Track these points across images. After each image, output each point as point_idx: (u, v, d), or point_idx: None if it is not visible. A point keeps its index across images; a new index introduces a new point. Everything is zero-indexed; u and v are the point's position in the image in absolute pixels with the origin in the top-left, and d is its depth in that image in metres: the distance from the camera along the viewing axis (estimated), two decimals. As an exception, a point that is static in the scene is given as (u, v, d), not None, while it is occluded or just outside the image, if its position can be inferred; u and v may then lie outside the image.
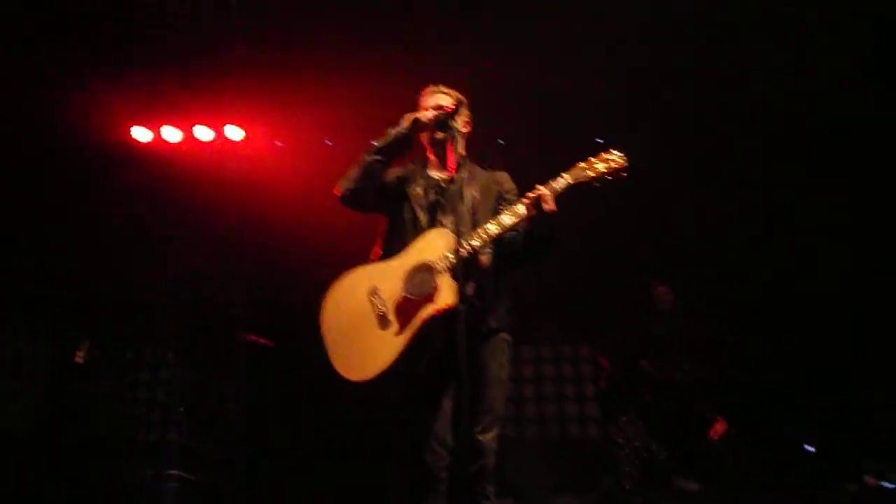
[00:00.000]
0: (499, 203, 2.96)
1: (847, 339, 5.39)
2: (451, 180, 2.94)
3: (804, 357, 5.51)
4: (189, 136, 5.84)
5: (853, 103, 5.19)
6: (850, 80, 5.06)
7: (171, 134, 5.83)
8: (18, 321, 5.25)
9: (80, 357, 4.78)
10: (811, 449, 5.28)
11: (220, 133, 5.85)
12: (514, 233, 2.84)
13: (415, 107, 3.13)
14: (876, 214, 5.43)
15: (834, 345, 5.44)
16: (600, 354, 5.56)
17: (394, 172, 3.06)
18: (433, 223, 2.92)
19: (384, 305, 2.81)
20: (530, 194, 2.74)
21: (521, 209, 2.76)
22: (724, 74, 5.18)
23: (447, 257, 2.76)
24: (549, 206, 2.69)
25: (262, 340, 5.04)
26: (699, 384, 5.24)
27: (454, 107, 2.88)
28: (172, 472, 4.36)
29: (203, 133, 5.84)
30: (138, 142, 5.84)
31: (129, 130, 5.79)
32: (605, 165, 2.78)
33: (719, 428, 5.10)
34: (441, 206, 2.93)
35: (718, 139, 5.55)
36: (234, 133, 5.85)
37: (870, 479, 4.40)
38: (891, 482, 4.43)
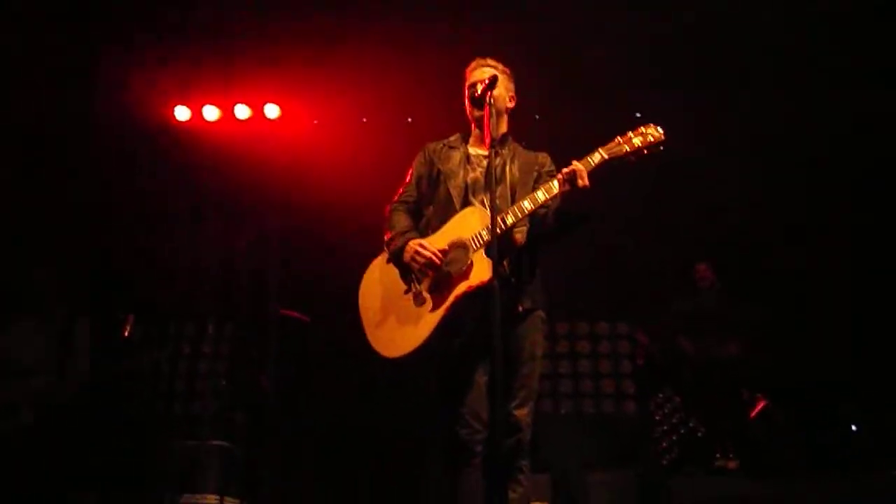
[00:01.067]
0: (537, 182, 2.94)
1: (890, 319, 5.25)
2: (496, 155, 2.92)
3: (849, 336, 5.39)
4: (228, 115, 5.92)
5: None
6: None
7: (211, 112, 5.91)
8: (66, 297, 5.41)
9: (126, 331, 4.91)
10: (856, 429, 5.19)
11: (258, 112, 5.91)
12: (546, 209, 2.83)
13: (462, 80, 3.09)
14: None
15: (881, 324, 5.31)
16: (638, 331, 5.52)
17: (431, 155, 3.06)
18: (468, 201, 2.91)
19: (419, 283, 2.83)
20: (565, 170, 2.71)
21: (555, 186, 2.74)
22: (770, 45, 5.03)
23: (481, 235, 2.76)
24: (584, 181, 2.66)
25: (298, 315, 5.11)
26: (739, 362, 5.17)
27: (488, 82, 2.83)
28: (214, 442, 4.47)
29: (242, 111, 5.90)
30: (178, 120, 5.93)
31: (173, 110, 5.89)
32: (642, 139, 2.74)
33: (759, 406, 5.04)
34: (479, 183, 2.92)
35: (766, 115, 5.41)
36: (271, 111, 5.90)
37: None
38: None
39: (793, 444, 4.95)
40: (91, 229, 5.69)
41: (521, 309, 2.88)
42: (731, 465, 4.81)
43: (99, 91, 5.64)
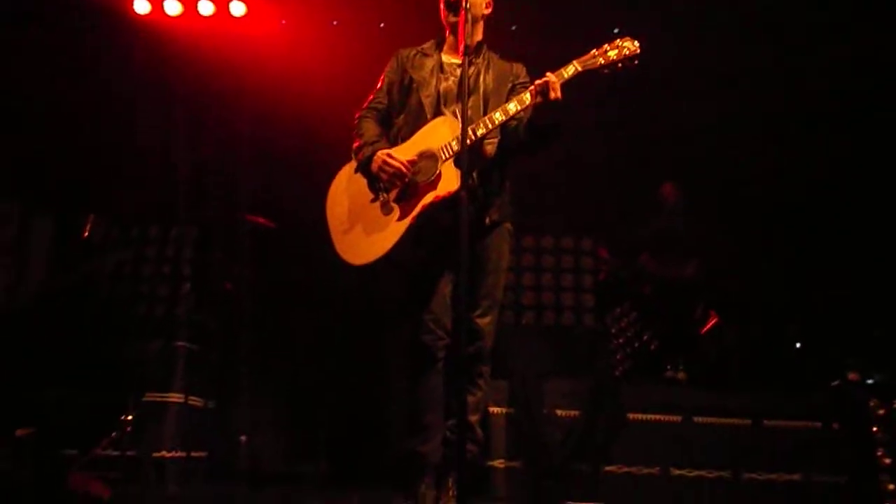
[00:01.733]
0: (511, 94, 2.91)
1: (843, 244, 5.44)
2: (470, 64, 2.87)
3: (797, 259, 5.59)
4: (191, 10, 5.66)
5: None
6: None
7: (172, 7, 5.65)
8: (22, 197, 5.28)
9: (86, 232, 4.84)
10: (798, 347, 5.46)
11: (222, 8, 5.66)
12: (518, 121, 2.81)
13: None
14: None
15: (830, 249, 5.50)
16: (601, 247, 5.63)
17: (403, 62, 3.00)
18: (440, 111, 2.88)
19: (386, 191, 2.83)
20: (538, 81, 2.69)
21: (527, 97, 2.73)
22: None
23: (451, 145, 2.75)
24: (556, 93, 2.65)
25: (263, 221, 5.08)
26: (696, 282, 5.34)
27: None
28: (180, 343, 4.51)
29: (205, 7, 5.65)
30: (137, 14, 5.66)
31: (132, 2, 5.61)
32: (617, 52, 2.74)
33: (711, 323, 5.25)
34: (451, 92, 2.88)
35: (738, 36, 5.36)
36: (237, 9, 5.66)
37: (853, 375, 4.57)
38: (873, 378, 4.60)
39: (740, 361, 5.18)
40: (47, 126, 5.49)
41: (487, 221, 2.91)
42: (681, 376, 5.04)
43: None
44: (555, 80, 2.66)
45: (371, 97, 3.07)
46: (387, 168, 2.79)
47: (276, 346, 5.21)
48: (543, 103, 2.67)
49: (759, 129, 5.64)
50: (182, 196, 5.72)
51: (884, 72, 5.20)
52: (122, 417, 4.09)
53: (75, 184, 5.46)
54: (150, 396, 4.27)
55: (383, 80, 3.07)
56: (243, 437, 4.62)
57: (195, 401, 4.43)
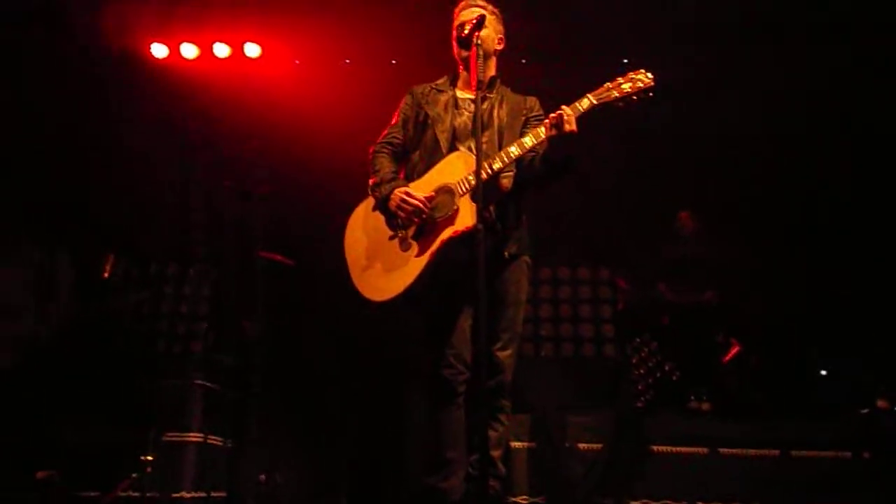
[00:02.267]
0: (525, 128, 2.93)
1: (865, 268, 5.37)
2: (484, 99, 2.90)
3: (821, 284, 5.51)
4: (206, 53, 5.78)
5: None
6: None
7: (189, 50, 5.76)
8: (44, 236, 5.34)
9: (107, 271, 4.89)
10: (824, 373, 5.36)
11: (237, 50, 5.77)
12: (533, 154, 2.82)
13: (450, 21, 3.04)
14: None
15: (851, 272, 5.43)
16: (619, 277, 5.60)
17: (418, 98, 3.03)
18: (455, 146, 2.89)
19: (405, 228, 2.84)
20: (552, 115, 2.70)
21: (542, 131, 2.74)
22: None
23: (468, 180, 2.76)
24: (571, 126, 2.66)
25: (280, 258, 5.10)
26: (715, 309, 5.28)
27: (475, 21, 2.77)
28: (198, 382, 4.51)
29: (221, 50, 5.76)
30: (156, 58, 5.78)
31: (150, 47, 5.74)
32: (631, 85, 2.74)
33: (733, 351, 5.18)
34: (466, 127, 2.90)
35: (753, 57, 5.38)
36: (252, 50, 5.77)
37: (882, 402, 4.48)
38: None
39: (764, 388, 5.09)
40: (69, 167, 5.58)
41: (506, 254, 2.90)
42: (705, 406, 4.96)
43: (71, 27, 5.45)
44: (570, 112, 2.67)
45: (386, 132, 3.10)
46: (405, 206, 2.80)
47: (294, 384, 5.20)
48: (558, 136, 2.67)
49: (776, 154, 5.61)
50: (199, 235, 5.77)
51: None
52: (143, 458, 4.07)
53: (96, 224, 5.53)
54: (170, 436, 4.26)
55: (398, 115, 3.09)
56: (262, 476, 4.58)
57: (214, 440, 4.41)
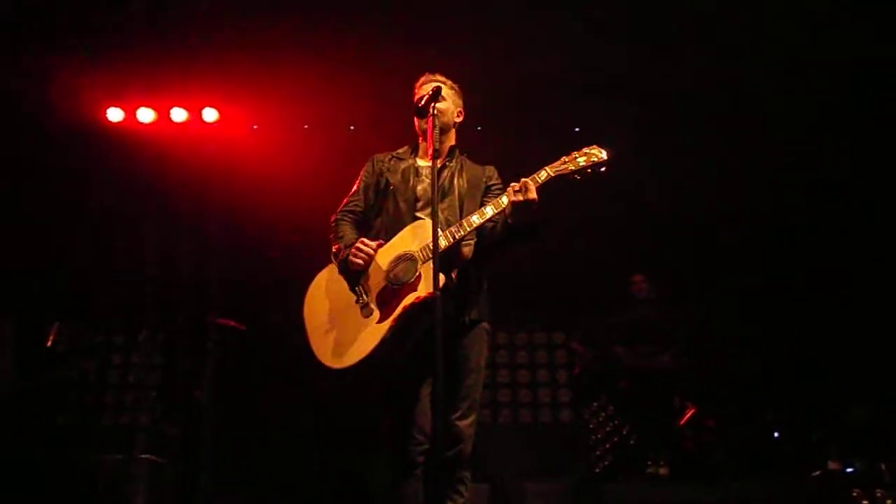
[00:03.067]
0: (485, 196, 2.98)
1: (817, 331, 5.53)
2: (444, 167, 2.96)
3: (774, 347, 5.65)
4: (163, 118, 5.77)
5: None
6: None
7: (145, 115, 5.75)
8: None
9: (51, 340, 4.71)
10: (777, 436, 5.43)
11: (195, 115, 5.78)
12: (493, 223, 2.87)
13: (411, 94, 3.11)
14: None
15: (803, 335, 5.59)
16: (575, 341, 5.63)
17: (379, 166, 3.07)
18: (415, 214, 2.93)
19: (366, 294, 2.83)
20: (514, 184, 2.77)
21: (503, 200, 2.80)
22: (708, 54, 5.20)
23: (429, 247, 2.78)
24: (532, 194, 2.73)
25: (234, 324, 5.00)
26: (671, 371, 5.34)
27: (431, 93, 2.85)
28: (143, 455, 4.33)
29: (178, 114, 5.76)
30: (111, 122, 5.74)
31: (105, 111, 5.70)
32: (586, 159, 2.83)
33: (688, 413, 5.22)
34: (427, 194, 2.93)
35: (697, 128, 5.61)
36: (209, 115, 5.79)
37: (833, 464, 4.55)
38: (853, 468, 4.58)
39: (720, 450, 5.13)
40: (16, 232, 5.43)
41: (466, 320, 2.90)
42: (662, 471, 4.95)
43: (25, 90, 5.39)
44: (530, 182, 2.74)
45: (346, 201, 3.11)
46: (360, 254, 2.81)
47: (246, 455, 5.03)
48: (520, 204, 2.74)
49: (731, 217, 5.79)
50: (151, 300, 5.63)
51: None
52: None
53: (41, 291, 5.36)
54: (112, 514, 4.05)
55: (359, 183, 3.12)
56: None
57: (159, 515, 4.21)
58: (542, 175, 2.80)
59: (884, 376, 5.16)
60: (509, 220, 2.81)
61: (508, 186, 2.80)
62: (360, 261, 2.83)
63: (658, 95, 5.46)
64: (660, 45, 5.09)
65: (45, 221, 5.62)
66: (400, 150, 3.14)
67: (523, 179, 2.76)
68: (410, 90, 3.13)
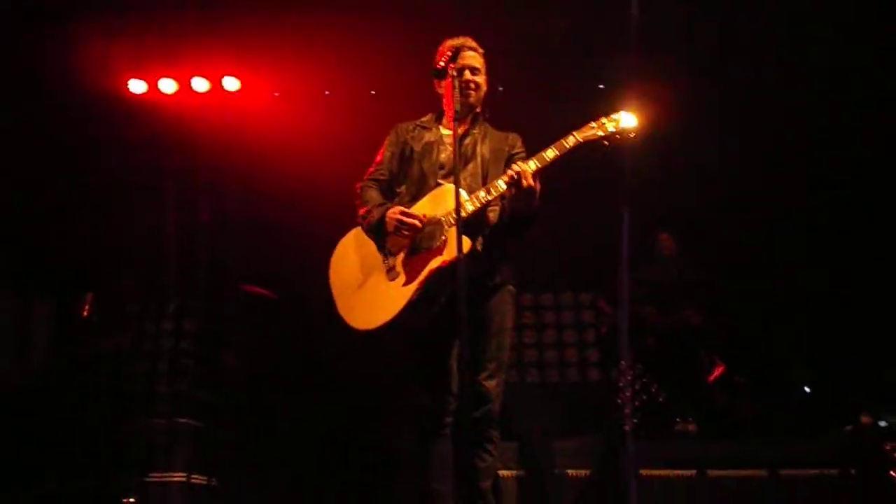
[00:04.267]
0: (509, 163, 2.97)
1: (847, 285, 5.44)
2: (466, 134, 2.95)
3: (802, 302, 5.58)
4: (185, 88, 5.78)
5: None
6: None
7: (168, 85, 5.77)
8: (20, 278, 5.27)
9: (86, 311, 4.83)
10: (808, 391, 5.40)
11: (216, 84, 5.78)
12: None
13: (435, 57, 3.07)
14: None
15: (830, 290, 5.50)
16: (601, 300, 5.62)
17: (403, 135, 3.06)
18: (438, 181, 2.93)
19: (392, 257, 2.85)
20: (509, 172, 2.75)
21: (532, 165, 2.78)
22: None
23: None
24: (528, 181, 2.71)
25: (263, 291, 5.07)
26: (698, 329, 5.32)
27: (449, 54, 2.81)
28: (181, 420, 4.44)
29: (200, 84, 5.77)
30: (133, 94, 5.77)
31: (126, 83, 5.72)
32: (615, 125, 2.80)
33: (717, 371, 5.21)
34: (450, 161, 2.92)
35: (726, 83, 5.48)
36: (231, 84, 5.78)
37: (865, 418, 4.52)
38: (886, 421, 4.55)
39: (749, 407, 5.12)
40: (43, 208, 5.52)
41: (491, 284, 2.91)
42: (691, 428, 4.97)
43: (47, 63, 5.43)
44: (525, 169, 2.72)
45: (371, 169, 3.12)
46: (406, 221, 2.80)
47: (280, 419, 5.13)
48: (518, 192, 2.73)
49: (749, 167, 5.69)
50: (179, 271, 5.72)
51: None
52: (124, 500, 3.99)
53: (74, 264, 5.46)
54: (153, 477, 4.18)
55: (383, 152, 3.12)
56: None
57: (198, 479, 4.33)
58: (571, 140, 2.78)
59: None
60: (511, 208, 2.81)
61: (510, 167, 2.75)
62: (403, 229, 2.82)
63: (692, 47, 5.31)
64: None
65: (73, 196, 5.70)
66: (424, 119, 3.13)
67: (518, 164, 2.74)
68: (433, 52, 3.09)
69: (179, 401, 4.79)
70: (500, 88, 5.46)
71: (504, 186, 2.77)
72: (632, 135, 2.81)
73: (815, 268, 5.60)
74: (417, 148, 3.00)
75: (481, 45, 3.09)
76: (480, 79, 2.99)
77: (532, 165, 2.76)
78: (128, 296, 5.73)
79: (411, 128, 3.10)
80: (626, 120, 2.80)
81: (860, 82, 5.29)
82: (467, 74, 2.94)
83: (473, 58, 3.00)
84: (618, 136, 2.80)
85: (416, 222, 2.79)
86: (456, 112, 2.77)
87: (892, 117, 5.19)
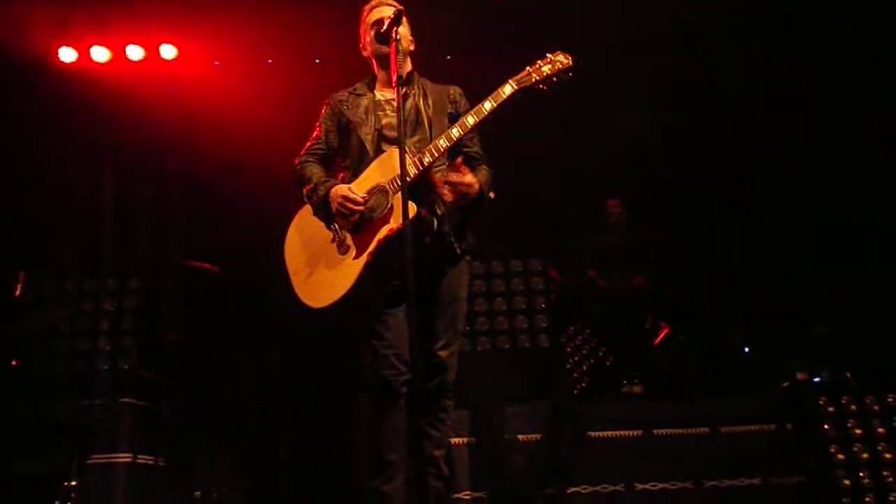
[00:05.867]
0: (452, 117, 2.92)
1: (786, 245, 5.62)
2: (406, 96, 2.89)
3: (743, 265, 5.75)
4: (119, 56, 5.53)
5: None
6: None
7: (100, 54, 5.51)
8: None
9: (17, 290, 4.62)
10: (747, 351, 5.60)
11: (152, 52, 5.55)
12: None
13: (359, 24, 3.04)
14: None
15: (772, 254, 5.68)
16: (550, 267, 5.68)
17: (338, 106, 2.99)
18: (381, 147, 2.88)
19: (342, 231, 2.81)
20: (446, 180, 2.74)
21: (470, 120, 2.75)
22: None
23: (399, 177, 2.73)
24: (465, 179, 2.74)
25: (205, 266, 4.93)
26: (644, 293, 5.44)
27: (393, 17, 2.74)
28: (125, 399, 4.32)
29: (134, 52, 5.53)
30: (63, 62, 5.50)
31: (56, 51, 5.44)
32: (551, 67, 2.78)
33: (662, 334, 5.34)
34: (393, 126, 2.87)
35: (669, 45, 5.53)
36: (167, 52, 5.56)
37: (801, 375, 4.71)
38: (819, 377, 4.75)
39: (693, 369, 5.28)
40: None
41: (451, 255, 2.89)
42: (637, 389, 5.10)
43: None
44: (462, 171, 2.72)
45: (308, 144, 3.05)
46: (348, 203, 2.76)
47: (226, 396, 5.05)
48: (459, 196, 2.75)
49: (694, 135, 5.78)
50: (116, 246, 5.53)
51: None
52: (65, 484, 3.87)
53: (6, 242, 5.22)
54: (96, 458, 4.07)
55: (318, 128, 3.05)
56: (198, 493, 4.44)
57: (144, 459, 4.23)
58: (507, 89, 2.76)
59: (843, 292, 5.28)
60: (458, 201, 2.80)
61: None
62: (345, 211, 2.77)
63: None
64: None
65: (4, 171, 5.43)
66: (357, 86, 3.06)
67: (450, 175, 2.73)
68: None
69: (121, 380, 4.66)
70: (448, 57, 5.42)
71: (445, 144, 2.74)
72: (569, 75, 2.79)
73: (754, 232, 5.76)
74: (353, 118, 2.94)
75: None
76: (403, 30, 2.91)
77: (455, 133, 2.74)
78: (64, 273, 5.52)
79: (345, 97, 3.02)
80: (562, 60, 2.78)
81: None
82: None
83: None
84: (555, 78, 2.78)
85: (359, 204, 2.75)
86: (400, 77, 2.72)
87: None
